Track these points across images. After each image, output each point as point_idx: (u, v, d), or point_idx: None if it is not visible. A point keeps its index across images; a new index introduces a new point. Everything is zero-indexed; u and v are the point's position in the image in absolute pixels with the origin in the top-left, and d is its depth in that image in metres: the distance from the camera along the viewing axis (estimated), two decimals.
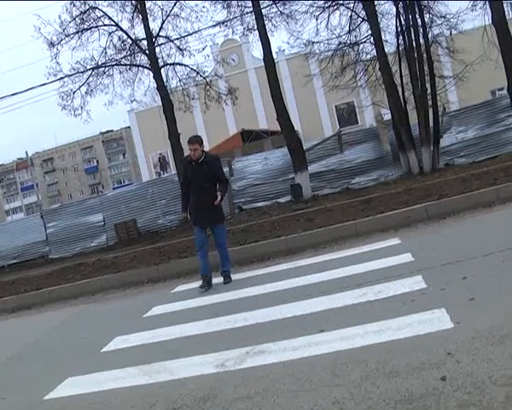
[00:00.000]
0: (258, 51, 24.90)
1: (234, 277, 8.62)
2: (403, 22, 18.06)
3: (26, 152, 54.78)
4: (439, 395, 3.11)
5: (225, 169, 19.71)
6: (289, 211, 15.15)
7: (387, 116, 20.48)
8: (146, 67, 20.38)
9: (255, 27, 18.80)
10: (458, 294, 4.84)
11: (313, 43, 20.25)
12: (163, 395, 4.19)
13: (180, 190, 8.69)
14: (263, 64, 18.78)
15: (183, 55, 20.84)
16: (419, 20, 17.75)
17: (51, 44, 19.53)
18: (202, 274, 8.04)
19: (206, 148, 43.80)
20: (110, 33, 20.05)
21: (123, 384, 4.65)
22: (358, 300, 5.48)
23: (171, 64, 20.79)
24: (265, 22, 18.55)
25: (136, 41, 20.13)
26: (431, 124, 17.44)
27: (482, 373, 3.22)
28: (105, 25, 20.00)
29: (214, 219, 8.05)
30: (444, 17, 18.93)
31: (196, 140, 7.98)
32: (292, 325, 5.20)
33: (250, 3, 18.91)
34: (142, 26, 19.69)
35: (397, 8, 18.29)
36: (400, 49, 18.46)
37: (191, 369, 4.63)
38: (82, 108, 20.65)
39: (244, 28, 20.30)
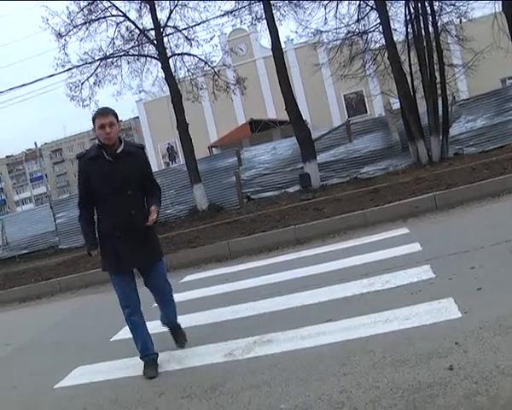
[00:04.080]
0: (266, 41, 24.81)
1: (243, 266, 8.64)
2: (412, 10, 17.91)
3: (35, 143, 55.01)
4: (447, 384, 3.12)
5: (234, 159, 19.98)
6: (298, 201, 15.15)
7: (396, 105, 20.35)
8: (154, 58, 20.31)
9: (263, 17, 18.68)
10: (466, 284, 4.84)
11: (321, 32, 20.12)
12: (172, 383, 4.23)
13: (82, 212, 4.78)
14: (271, 54, 18.66)
15: (191, 45, 20.74)
16: (428, 8, 17.59)
17: (59, 35, 19.48)
18: (146, 354, 4.72)
19: (214, 138, 43.67)
20: (118, 24, 19.98)
21: (132, 373, 4.69)
22: (366, 289, 5.49)
23: (179, 54, 20.71)
24: (273, 11, 18.41)
25: (143, 31, 20.05)
26: (440, 113, 17.33)
27: (489, 363, 3.23)
28: (113, 15, 19.90)
29: (149, 255, 4.78)
30: (453, 5, 18.77)
31: (110, 111, 4.58)
32: (299, 315, 5.22)
33: None
34: (150, 16, 19.59)
35: None
36: (409, 37, 18.31)
37: (199, 358, 4.67)
38: (90, 98, 20.60)
39: (252, 18, 20.17)
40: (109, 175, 4.48)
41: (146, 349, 4.70)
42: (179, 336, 5.16)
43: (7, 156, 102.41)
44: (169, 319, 5.18)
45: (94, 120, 4.52)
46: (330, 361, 3.89)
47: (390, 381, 3.34)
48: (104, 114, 4.51)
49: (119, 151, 4.55)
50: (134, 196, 4.60)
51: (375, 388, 3.31)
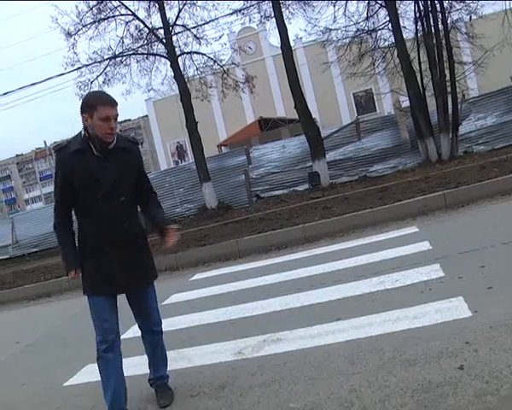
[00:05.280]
0: (275, 39, 24.89)
1: (252, 265, 8.63)
2: (421, 8, 17.85)
3: (45, 141, 55.22)
4: (457, 384, 3.10)
5: (243, 157, 20.00)
6: (307, 199, 15.13)
7: (406, 103, 20.30)
8: (163, 56, 20.36)
9: (272, 15, 18.68)
10: (476, 282, 4.81)
11: (331, 30, 20.07)
12: (181, 382, 4.24)
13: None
14: (280, 52, 18.67)
15: (200, 44, 20.80)
16: (438, 6, 17.53)
17: (68, 34, 19.57)
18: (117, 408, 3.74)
19: (224, 136, 43.94)
20: (127, 23, 20.05)
21: (141, 371, 4.68)
22: (375, 288, 5.48)
23: (188, 53, 20.75)
24: (282, 10, 18.41)
25: (152, 30, 20.09)
26: (450, 111, 17.27)
27: (500, 362, 3.21)
28: (122, 14, 19.96)
29: (143, 277, 3.93)
30: (463, 2, 18.69)
31: (116, 102, 3.61)
32: (309, 314, 5.21)
33: None
34: (159, 14, 19.64)
35: None
36: (419, 35, 18.25)
37: (209, 357, 4.67)
38: None
39: (261, 16, 20.19)
40: (98, 176, 3.56)
41: (118, 402, 3.73)
42: (164, 390, 4.08)
43: (17, 155, 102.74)
44: (157, 372, 4.14)
45: (94, 106, 3.49)
46: (340, 360, 3.88)
47: (400, 380, 3.33)
48: (113, 104, 3.55)
49: (111, 146, 3.61)
50: (127, 203, 3.72)
51: (384, 387, 3.30)
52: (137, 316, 4.01)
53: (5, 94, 20.64)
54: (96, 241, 3.65)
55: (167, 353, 4.30)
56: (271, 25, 20.17)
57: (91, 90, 20.23)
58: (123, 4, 19.84)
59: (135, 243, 3.80)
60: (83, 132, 3.58)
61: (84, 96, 3.66)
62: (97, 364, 3.78)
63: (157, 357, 4.10)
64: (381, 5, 19.12)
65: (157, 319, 4.03)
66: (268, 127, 37.21)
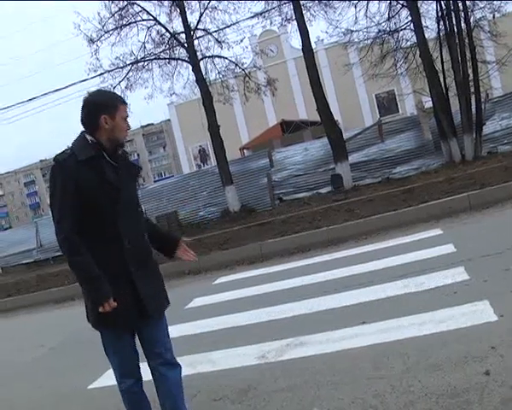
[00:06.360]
0: (296, 41, 24.76)
1: (275, 268, 8.62)
2: (443, 7, 17.71)
3: (68, 146, 55.57)
4: (483, 389, 3.07)
5: (266, 160, 19.98)
6: (330, 202, 15.08)
7: (428, 104, 20.12)
8: (185, 61, 20.45)
9: (293, 17, 18.65)
10: (502, 286, 4.75)
11: (352, 31, 19.98)
12: (204, 385, 4.25)
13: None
14: (302, 54, 18.65)
15: (221, 48, 20.85)
16: (460, 5, 17.37)
17: (91, 41, 19.77)
18: None
19: (246, 139, 44.01)
20: (149, 28, 20.17)
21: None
22: (400, 291, 5.44)
23: (209, 57, 20.82)
24: (303, 12, 18.38)
25: (174, 35, 20.20)
26: (473, 111, 17.09)
27: None
28: (143, 20, 20.10)
29: (167, 298, 3.40)
30: (486, 0, 18.49)
31: None
32: (333, 317, 5.19)
33: None
34: (180, 19, 19.74)
35: None
36: (441, 34, 18.11)
37: (232, 360, 4.68)
38: None
39: (282, 19, 20.18)
40: (118, 185, 3.06)
41: None
42: None
43: (41, 160, 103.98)
44: None
45: (116, 105, 3.11)
46: (364, 364, 3.86)
47: (424, 386, 3.30)
48: (126, 103, 3.22)
49: (120, 151, 3.20)
50: (141, 213, 3.32)
51: (408, 392, 3.28)
52: (153, 352, 3.35)
53: (30, 100, 20.91)
54: (119, 261, 3.05)
55: (192, 356, 4.32)
56: (293, 27, 20.09)
57: None
58: (144, 10, 19.99)
59: (152, 259, 3.29)
60: (89, 138, 3.09)
61: (91, 98, 3.17)
62: (122, 396, 3.38)
63: (182, 396, 3.42)
64: (402, 5, 18.99)
65: (171, 352, 3.44)
66: (290, 130, 37.15)
